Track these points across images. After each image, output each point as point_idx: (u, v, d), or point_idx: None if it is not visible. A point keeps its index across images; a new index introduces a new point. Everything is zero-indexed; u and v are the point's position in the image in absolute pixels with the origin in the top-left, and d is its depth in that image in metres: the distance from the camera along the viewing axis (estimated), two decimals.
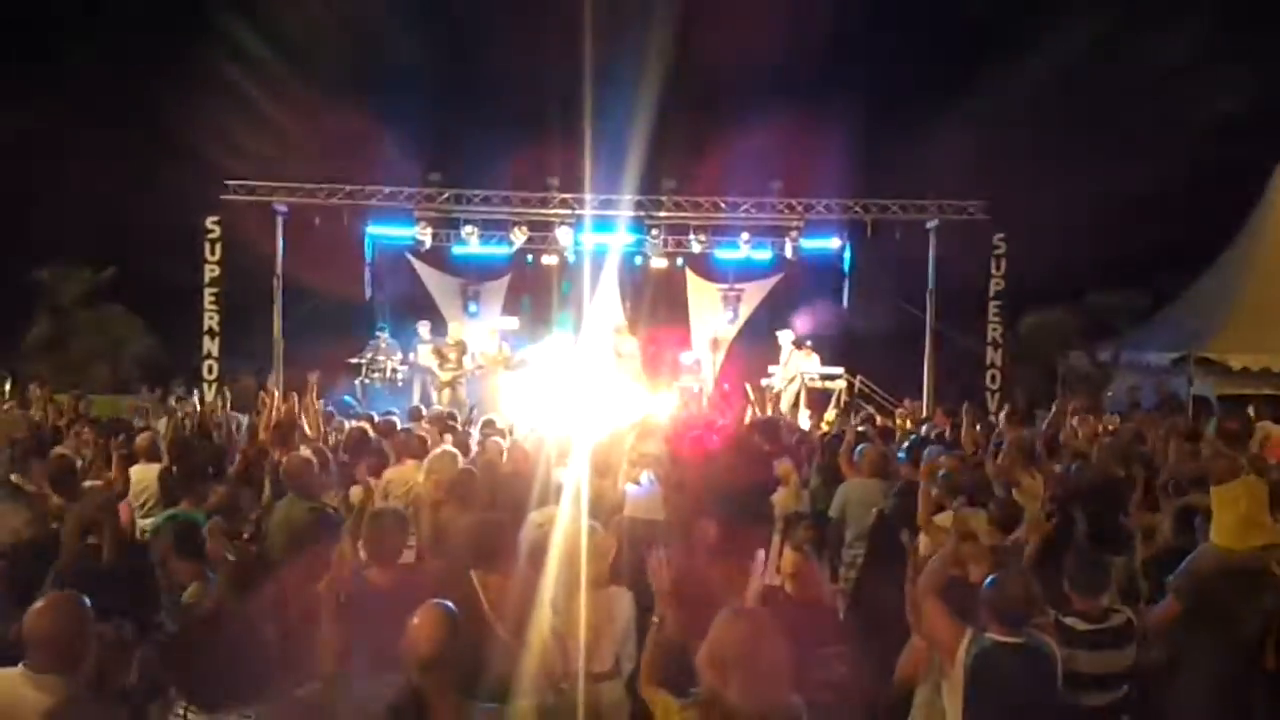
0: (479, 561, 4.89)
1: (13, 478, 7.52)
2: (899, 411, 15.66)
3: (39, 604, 3.63)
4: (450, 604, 3.64)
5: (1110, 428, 11.16)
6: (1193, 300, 19.16)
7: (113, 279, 20.33)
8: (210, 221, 18.32)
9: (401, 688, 3.28)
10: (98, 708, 3.49)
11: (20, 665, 3.55)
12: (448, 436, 9.50)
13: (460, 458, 7.09)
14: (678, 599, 4.07)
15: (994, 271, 18.86)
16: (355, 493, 7.21)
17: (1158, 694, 4.92)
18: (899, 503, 7.10)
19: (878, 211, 19.04)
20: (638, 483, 7.83)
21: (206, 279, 18.38)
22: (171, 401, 12.19)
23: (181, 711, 3.44)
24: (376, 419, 10.40)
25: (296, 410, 9.26)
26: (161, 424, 10.51)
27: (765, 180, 19.30)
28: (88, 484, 7.73)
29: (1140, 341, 19.03)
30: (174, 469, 7.33)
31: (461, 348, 17.16)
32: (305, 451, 7.18)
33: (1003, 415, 10.81)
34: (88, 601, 3.67)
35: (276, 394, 10.05)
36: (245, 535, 6.10)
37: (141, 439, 8.23)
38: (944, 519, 6.08)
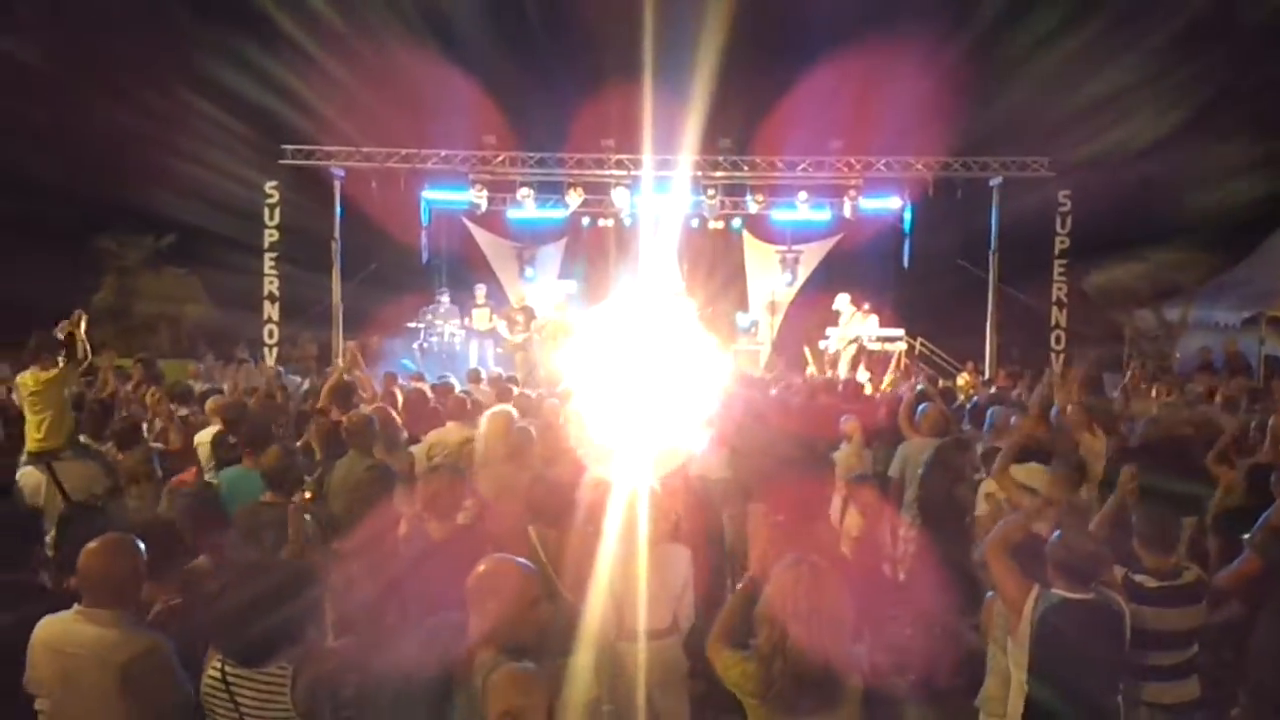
0: (537, 517, 4.89)
1: (81, 438, 7.69)
2: (961, 375, 15.47)
3: (93, 544, 3.70)
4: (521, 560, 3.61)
5: (1179, 390, 10.93)
6: (1264, 257, 18.69)
7: (174, 245, 20.62)
8: (269, 186, 18.49)
9: (456, 632, 3.26)
10: (154, 642, 3.56)
11: (74, 607, 3.65)
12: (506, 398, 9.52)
13: (516, 416, 7.08)
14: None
15: (1058, 229, 18.48)
16: (414, 452, 7.28)
17: (1231, 653, 4.80)
18: (935, 460, 7.04)
19: (939, 169, 18.73)
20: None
21: (266, 243, 18.56)
22: (243, 366, 12.38)
23: (219, 664, 3.48)
24: (433, 383, 10.47)
25: (348, 374, 9.31)
26: (226, 387, 10.68)
27: (824, 139, 19.05)
28: (157, 446, 7.89)
29: (1210, 300, 18.61)
30: (232, 430, 7.40)
31: (529, 312, 17.19)
32: (365, 409, 7.23)
33: (1063, 374, 10.57)
34: (140, 543, 3.74)
35: (345, 358, 10.13)
36: (308, 495, 6.15)
37: (212, 403, 8.33)
38: (1018, 472, 5.97)
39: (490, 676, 3.07)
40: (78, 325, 8.43)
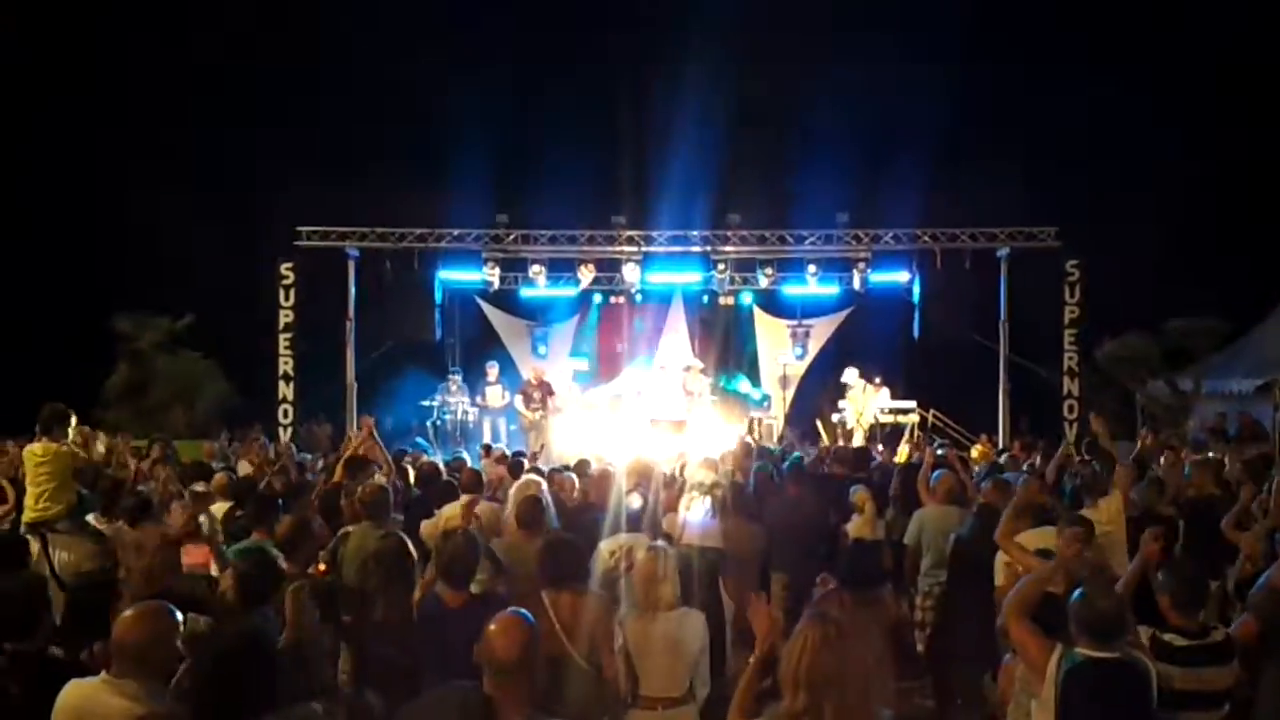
0: (549, 582, 4.85)
1: (90, 517, 7.68)
2: (976, 448, 15.39)
3: (129, 612, 3.69)
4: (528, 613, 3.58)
5: (1195, 456, 10.85)
6: (1277, 325, 18.66)
7: (190, 326, 20.76)
8: (284, 268, 18.66)
9: (472, 696, 3.22)
10: (176, 714, 3.51)
11: (102, 674, 3.61)
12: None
13: (544, 486, 7.11)
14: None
15: (1068, 299, 18.48)
16: (426, 526, 7.23)
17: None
18: (977, 525, 6.93)
19: (946, 241, 18.83)
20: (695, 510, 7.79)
21: (281, 324, 18.69)
22: (256, 445, 12.44)
23: None
24: (447, 459, 10.50)
25: (361, 448, 9.32)
26: (241, 466, 10.70)
27: (832, 212, 19.21)
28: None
29: (1222, 369, 18.55)
30: (244, 505, 7.39)
31: (546, 387, 17.24)
32: (380, 479, 7.23)
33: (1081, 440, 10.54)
34: (177, 613, 3.72)
35: (354, 433, 10.18)
36: (321, 565, 6.13)
37: (217, 479, 8.36)
38: (1026, 538, 5.94)
39: None
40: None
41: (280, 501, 6.87)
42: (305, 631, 4.60)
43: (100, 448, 10.72)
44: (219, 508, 7.65)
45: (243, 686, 3.57)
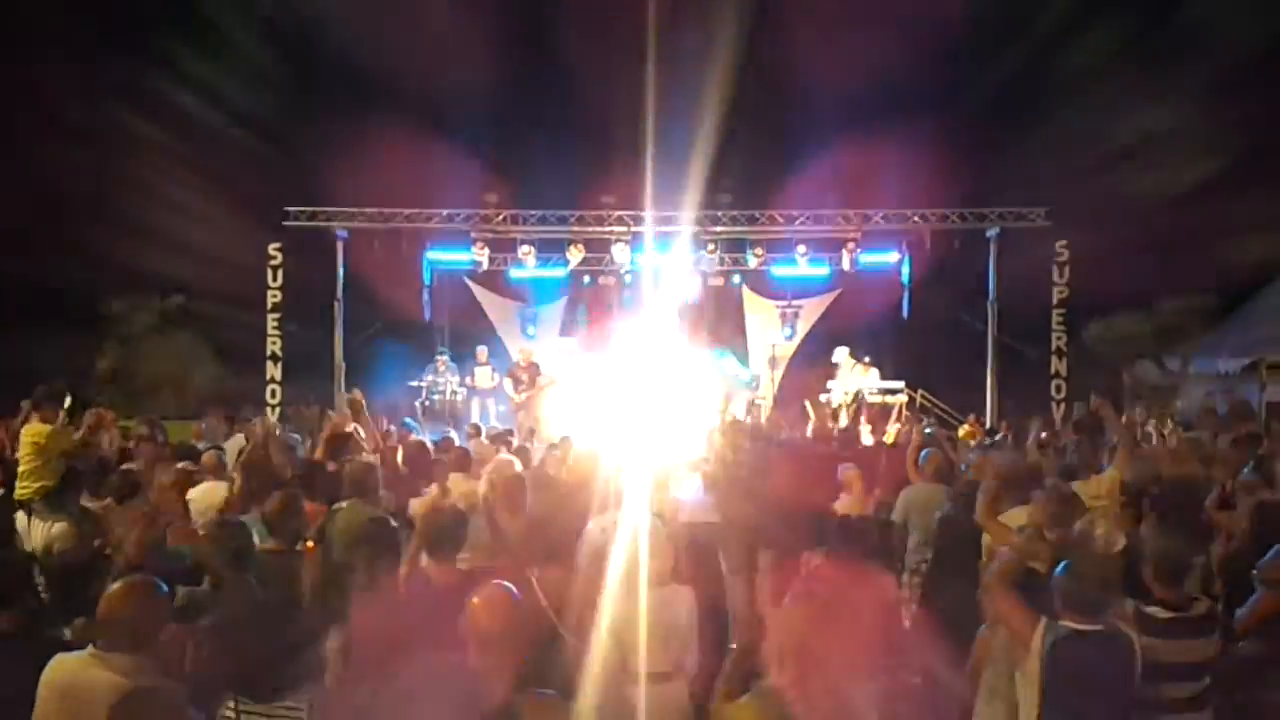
0: (535, 559, 4.86)
1: (83, 500, 7.68)
2: (963, 427, 15.45)
3: (115, 586, 3.70)
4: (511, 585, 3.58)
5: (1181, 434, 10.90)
6: (1263, 305, 18.73)
7: (180, 307, 20.69)
8: (273, 247, 18.60)
9: (458, 670, 3.23)
10: (165, 687, 3.51)
11: (89, 648, 3.61)
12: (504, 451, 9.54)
13: (517, 464, 7.09)
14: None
15: (1056, 279, 18.50)
16: (415, 504, 7.23)
17: (1250, 689, 4.71)
18: (963, 503, 6.95)
19: (936, 221, 18.84)
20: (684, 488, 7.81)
21: (270, 304, 18.63)
22: (246, 425, 12.42)
23: (233, 704, 3.43)
24: (435, 439, 10.48)
25: (349, 425, 9.30)
26: (229, 444, 10.65)
27: (822, 193, 19.19)
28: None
29: (1210, 348, 18.62)
30: (244, 485, 7.38)
31: (535, 369, 17.21)
32: (369, 457, 7.22)
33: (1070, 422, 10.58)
34: (164, 586, 3.72)
35: (350, 406, 10.14)
36: (310, 543, 6.12)
37: (206, 458, 8.34)
38: (1009, 516, 5.96)
39: (521, 707, 3.04)
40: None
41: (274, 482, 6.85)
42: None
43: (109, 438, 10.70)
44: (209, 487, 7.65)
45: (249, 656, 3.56)
